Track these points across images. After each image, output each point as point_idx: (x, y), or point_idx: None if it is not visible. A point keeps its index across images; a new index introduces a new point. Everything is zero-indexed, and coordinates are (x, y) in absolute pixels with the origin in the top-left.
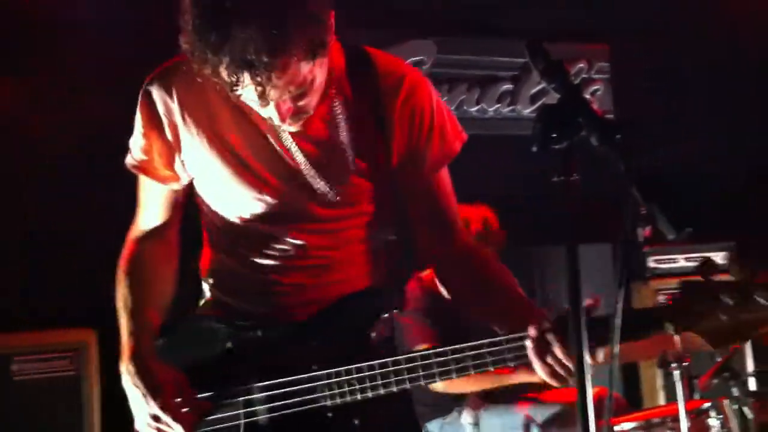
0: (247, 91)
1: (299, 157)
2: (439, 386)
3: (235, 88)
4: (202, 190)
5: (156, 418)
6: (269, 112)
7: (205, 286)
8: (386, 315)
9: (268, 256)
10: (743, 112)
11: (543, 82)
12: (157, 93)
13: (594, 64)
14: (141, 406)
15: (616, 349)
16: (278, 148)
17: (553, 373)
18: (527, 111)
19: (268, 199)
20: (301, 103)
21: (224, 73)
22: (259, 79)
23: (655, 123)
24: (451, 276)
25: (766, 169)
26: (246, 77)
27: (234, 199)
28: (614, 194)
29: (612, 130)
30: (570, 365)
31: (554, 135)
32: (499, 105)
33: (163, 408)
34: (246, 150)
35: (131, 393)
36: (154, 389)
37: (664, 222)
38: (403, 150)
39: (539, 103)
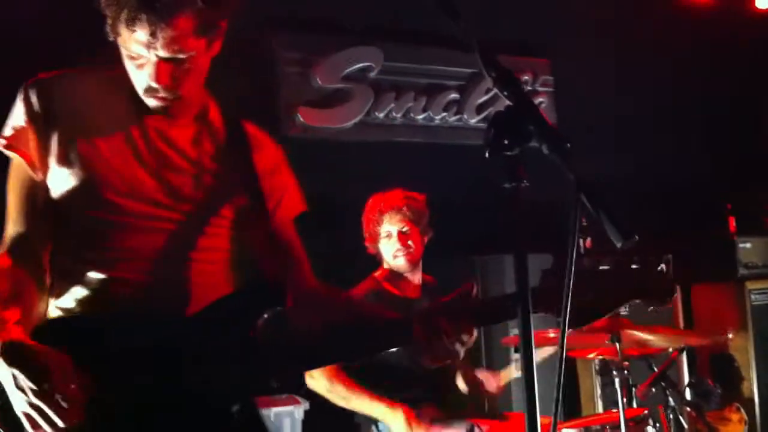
0: (139, 34)
1: (165, 162)
2: None
3: (131, 24)
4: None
5: (35, 404)
6: (146, 74)
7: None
8: (270, 312)
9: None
10: (684, 126)
11: (495, 90)
12: (36, 94)
13: (539, 77)
14: (16, 390)
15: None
16: (144, 152)
17: (435, 353)
18: (473, 120)
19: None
20: (177, 75)
21: (125, 13)
22: (153, 22)
23: (596, 136)
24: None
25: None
26: (143, 17)
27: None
28: (561, 203)
29: (562, 139)
30: (454, 347)
31: (506, 141)
32: (445, 114)
33: (46, 391)
34: (114, 155)
35: (5, 377)
36: (34, 372)
37: (612, 230)
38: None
39: (485, 113)
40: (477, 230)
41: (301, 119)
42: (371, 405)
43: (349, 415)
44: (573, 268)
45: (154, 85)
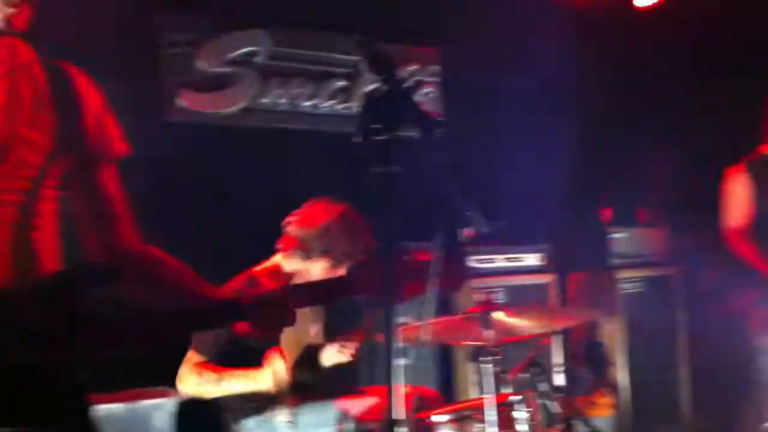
0: None
1: None
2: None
3: None
4: None
5: None
6: None
7: None
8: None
9: None
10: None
11: (371, 74)
12: None
13: (427, 67)
14: None
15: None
16: None
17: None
18: None
19: None
20: None
21: None
22: None
23: (483, 127)
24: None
25: (582, 175)
26: None
27: None
28: (434, 190)
29: (434, 125)
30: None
31: (378, 126)
32: (333, 102)
33: None
34: None
35: None
36: None
37: (478, 216)
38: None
39: None
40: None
41: (183, 103)
42: (247, 376)
43: (219, 408)
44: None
45: None
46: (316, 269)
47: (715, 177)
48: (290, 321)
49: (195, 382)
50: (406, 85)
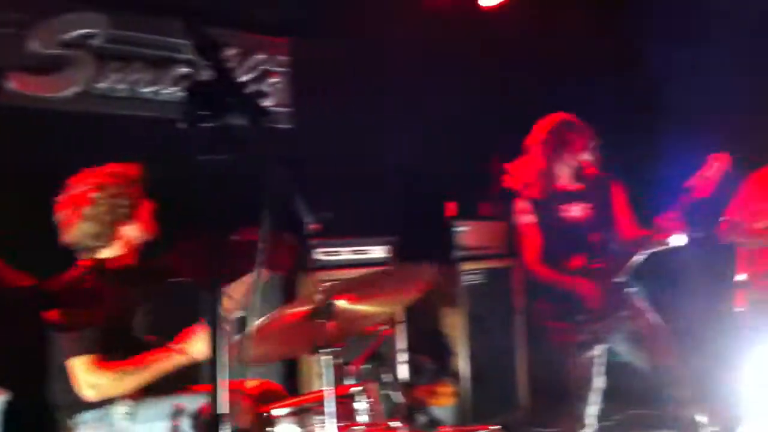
0: None
1: None
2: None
3: None
4: None
5: None
6: None
7: None
8: None
9: None
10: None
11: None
12: None
13: (275, 57)
14: None
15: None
16: None
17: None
18: None
19: None
20: None
21: None
22: None
23: (331, 119)
24: None
25: (427, 168)
26: None
27: None
28: (265, 180)
29: (261, 114)
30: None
31: (204, 113)
32: (176, 88)
33: None
34: None
35: None
36: None
37: (303, 205)
38: None
39: None
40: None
41: (12, 85)
42: (159, 358)
43: (51, 405)
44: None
45: None
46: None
47: None
48: (95, 303)
49: (110, 379)
50: (253, 74)
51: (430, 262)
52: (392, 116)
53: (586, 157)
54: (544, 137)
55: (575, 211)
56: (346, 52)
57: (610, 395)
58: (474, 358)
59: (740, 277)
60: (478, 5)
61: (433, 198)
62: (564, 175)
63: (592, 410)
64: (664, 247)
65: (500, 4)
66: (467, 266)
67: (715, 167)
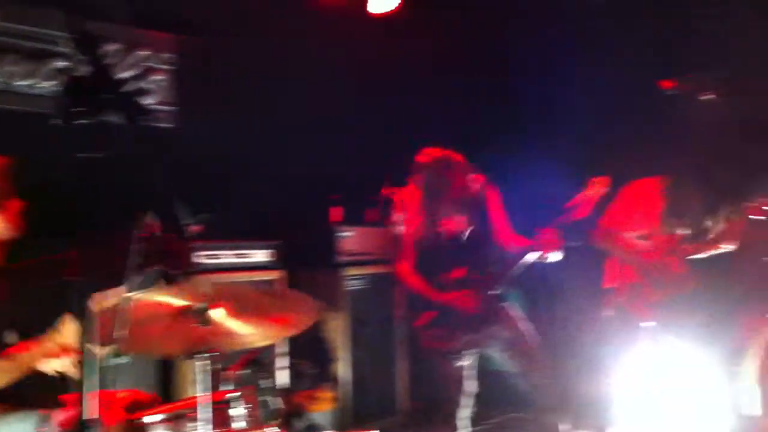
0: None
1: None
2: None
3: None
4: None
5: None
6: None
7: None
8: None
9: None
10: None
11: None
12: None
13: (159, 54)
14: None
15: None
16: None
17: None
18: None
19: None
20: None
21: None
22: None
23: (216, 119)
24: None
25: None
26: None
27: None
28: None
29: (140, 112)
30: None
31: (80, 109)
32: (51, 82)
33: None
34: None
35: None
36: None
37: (181, 207)
38: None
39: None
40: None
41: None
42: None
43: None
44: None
45: None
46: None
47: None
48: None
49: None
50: (135, 70)
51: (313, 266)
52: (279, 119)
53: (461, 193)
54: (421, 180)
55: (453, 223)
56: (233, 52)
57: (486, 400)
58: (354, 364)
59: (609, 285)
60: (368, 12)
61: (318, 202)
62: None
63: (464, 414)
64: (540, 261)
65: (391, 11)
66: (350, 271)
67: (594, 189)
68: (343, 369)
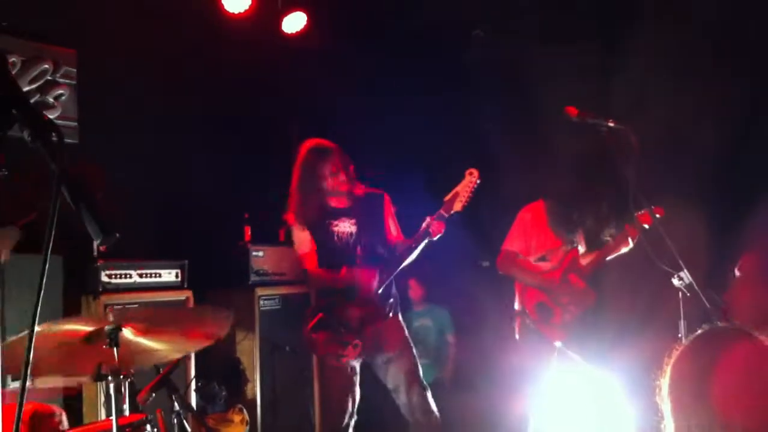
0: None
1: None
2: None
3: None
4: None
5: None
6: None
7: None
8: None
9: None
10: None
11: None
12: None
13: (60, 68)
14: None
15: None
16: None
17: None
18: None
19: None
20: None
21: None
22: None
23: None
24: None
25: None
26: None
27: None
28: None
29: (49, 129)
30: None
31: None
32: None
33: None
34: None
35: None
36: None
37: (92, 225)
38: None
39: None
40: None
41: None
42: None
43: None
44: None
45: None
46: None
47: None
48: None
49: None
50: (36, 83)
51: (223, 286)
52: (189, 137)
53: (337, 178)
54: (296, 165)
55: (343, 226)
56: (137, 67)
57: (365, 413)
58: (267, 385)
59: (516, 305)
60: (282, 31)
61: (231, 222)
62: (331, 196)
63: (351, 423)
64: (425, 243)
65: (302, 30)
66: (263, 291)
67: (470, 180)
68: (255, 391)
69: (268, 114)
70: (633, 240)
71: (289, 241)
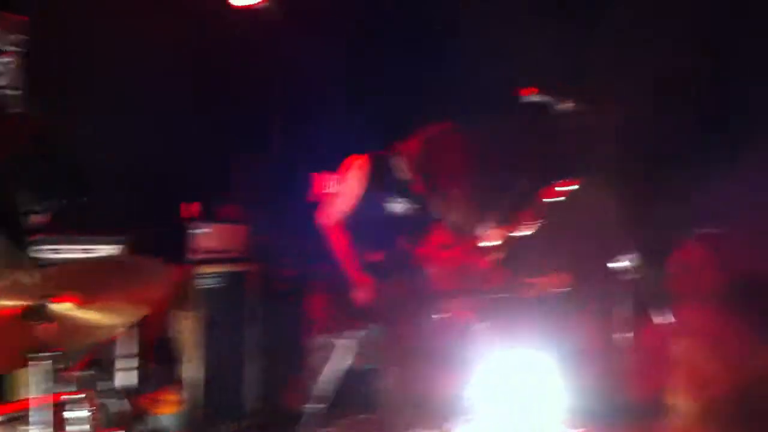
0: None
1: None
2: None
3: None
4: None
5: None
6: None
7: None
8: None
9: None
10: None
11: None
12: None
13: (8, 35)
14: None
15: None
16: None
17: None
18: None
19: None
20: None
21: None
22: None
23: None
24: None
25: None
26: None
27: None
28: None
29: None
30: None
31: None
32: None
33: None
34: None
35: None
36: None
37: (25, 196)
38: None
39: None
40: None
41: None
42: None
43: None
44: None
45: None
46: None
47: (294, 178)
48: None
49: None
50: None
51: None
52: (132, 109)
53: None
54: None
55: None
56: (85, 37)
57: (337, 398)
58: (204, 365)
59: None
60: (230, 3)
61: (172, 197)
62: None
63: (315, 411)
64: None
65: (255, 4)
66: (204, 269)
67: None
68: (191, 370)
69: (218, 90)
70: (538, 218)
71: (233, 220)
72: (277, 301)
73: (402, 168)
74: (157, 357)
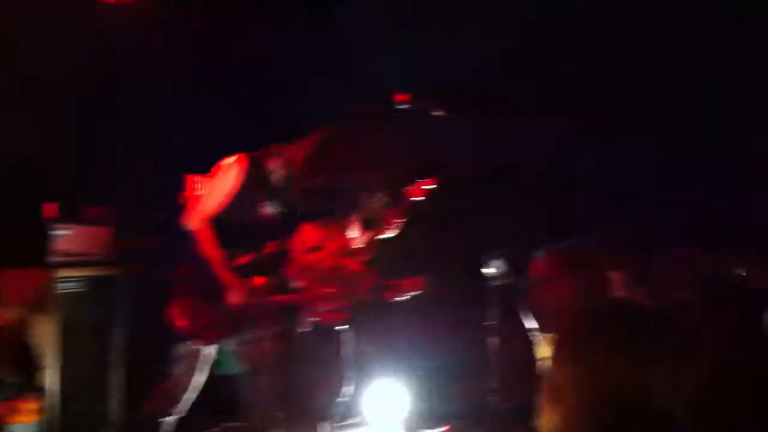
0: None
1: None
2: None
3: None
4: None
5: None
6: None
7: None
8: None
9: None
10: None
11: None
12: None
13: None
14: None
15: None
16: None
17: None
18: None
19: None
20: None
21: None
22: None
23: None
24: None
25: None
26: None
27: None
28: None
29: None
30: None
31: None
32: None
33: None
34: None
35: None
36: None
37: None
38: None
39: None
40: None
41: None
42: None
43: None
44: None
45: None
46: None
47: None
48: None
49: None
50: None
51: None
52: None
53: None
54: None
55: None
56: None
57: (204, 406)
58: (64, 373)
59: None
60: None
61: (31, 198)
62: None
63: (178, 419)
64: None
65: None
66: (65, 272)
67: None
68: (50, 378)
69: (85, 87)
70: (402, 218)
71: (97, 221)
72: (142, 305)
73: (278, 169)
74: (14, 364)
